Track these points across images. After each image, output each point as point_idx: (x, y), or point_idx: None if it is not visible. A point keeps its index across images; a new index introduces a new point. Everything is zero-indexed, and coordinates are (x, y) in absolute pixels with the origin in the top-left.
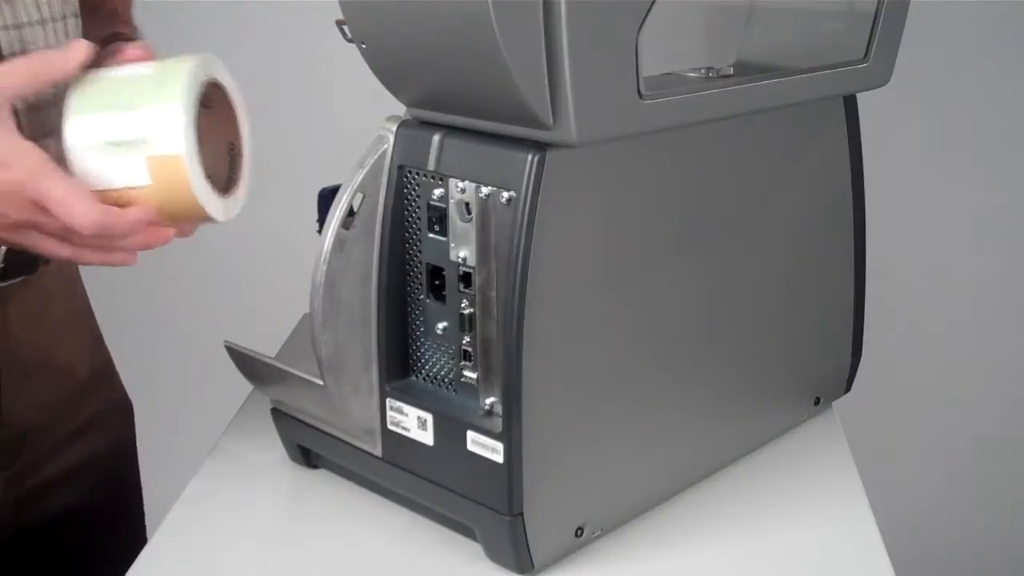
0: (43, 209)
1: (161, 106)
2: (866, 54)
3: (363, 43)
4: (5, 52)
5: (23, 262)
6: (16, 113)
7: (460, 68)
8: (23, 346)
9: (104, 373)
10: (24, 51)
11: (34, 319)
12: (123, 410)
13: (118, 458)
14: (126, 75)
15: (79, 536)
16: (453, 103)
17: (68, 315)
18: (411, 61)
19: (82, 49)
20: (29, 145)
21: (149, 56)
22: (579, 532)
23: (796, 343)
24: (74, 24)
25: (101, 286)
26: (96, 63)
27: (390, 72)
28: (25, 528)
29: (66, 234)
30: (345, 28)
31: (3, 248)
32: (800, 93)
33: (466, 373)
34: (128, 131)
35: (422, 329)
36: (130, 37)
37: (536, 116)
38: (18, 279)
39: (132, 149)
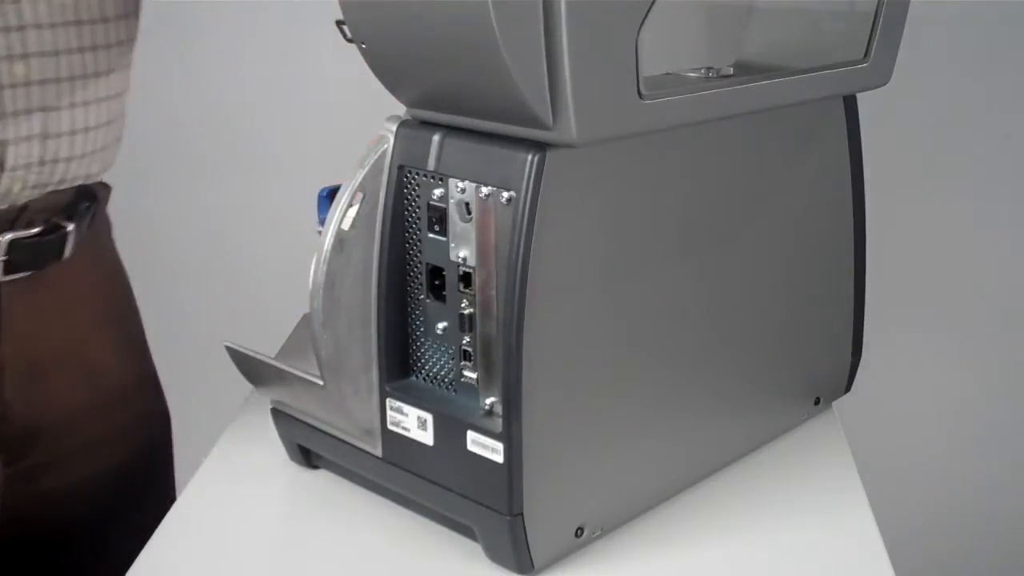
0: None
1: None
2: (866, 54)
3: (363, 43)
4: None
5: (26, 257)
6: None
7: (460, 68)
8: (37, 342)
9: (143, 381)
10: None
11: (53, 316)
12: (159, 423)
13: (147, 470)
14: None
15: (95, 543)
16: (453, 103)
17: (99, 316)
18: (411, 61)
19: None
20: None
21: None
22: (579, 532)
23: (796, 343)
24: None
25: None
26: None
27: (390, 72)
28: (38, 529)
29: None
30: (345, 28)
31: (6, 239)
32: (800, 93)
33: (466, 373)
34: None
35: (422, 329)
36: None
37: (536, 116)
38: (24, 274)
39: None
